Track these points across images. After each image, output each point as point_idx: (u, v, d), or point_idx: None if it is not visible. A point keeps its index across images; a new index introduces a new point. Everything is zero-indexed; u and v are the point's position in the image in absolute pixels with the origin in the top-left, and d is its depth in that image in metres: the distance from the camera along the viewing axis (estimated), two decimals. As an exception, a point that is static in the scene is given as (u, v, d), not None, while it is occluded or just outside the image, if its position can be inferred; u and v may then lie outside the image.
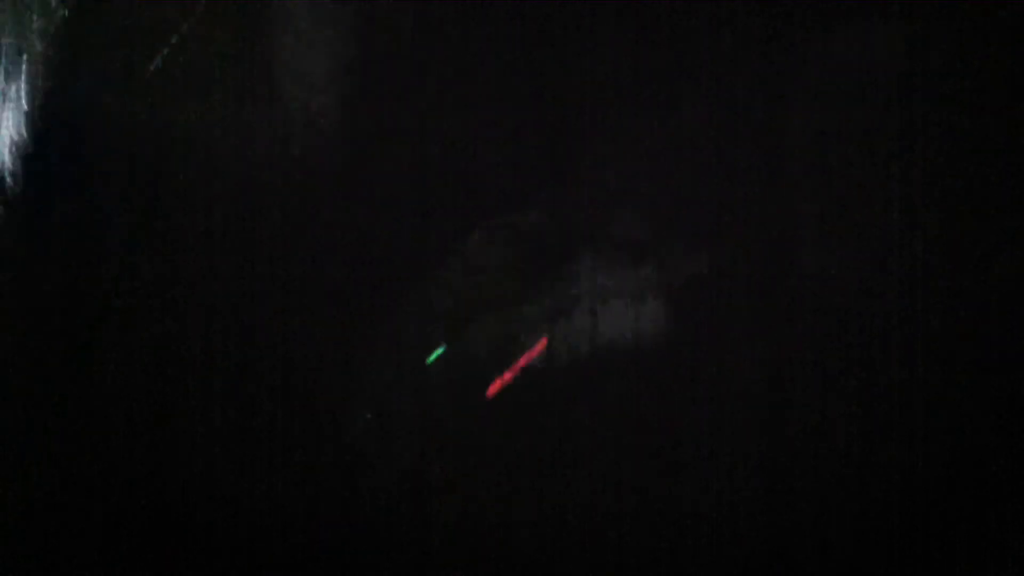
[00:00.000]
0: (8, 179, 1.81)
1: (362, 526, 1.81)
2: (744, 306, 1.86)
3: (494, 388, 1.85)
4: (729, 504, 1.81)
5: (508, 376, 1.83)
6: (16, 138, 1.83)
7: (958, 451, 1.79)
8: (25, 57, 1.84)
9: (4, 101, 1.84)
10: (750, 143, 1.87)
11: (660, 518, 1.81)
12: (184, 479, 1.81)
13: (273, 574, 1.81)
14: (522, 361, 1.83)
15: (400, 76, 1.87)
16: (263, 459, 1.83)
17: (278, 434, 1.83)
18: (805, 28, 1.86)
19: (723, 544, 1.80)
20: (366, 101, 1.87)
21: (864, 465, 1.81)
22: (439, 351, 1.85)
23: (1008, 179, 1.83)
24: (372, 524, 1.81)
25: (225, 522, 1.80)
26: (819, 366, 1.84)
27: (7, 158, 1.83)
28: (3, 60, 1.84)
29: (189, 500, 1.81)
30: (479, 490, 1.80)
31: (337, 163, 1.88)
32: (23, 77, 1.85)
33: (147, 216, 1.82)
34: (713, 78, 1.87)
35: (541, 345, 1.84)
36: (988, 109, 1.84)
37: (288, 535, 1.81)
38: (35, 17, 1.83)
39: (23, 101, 1.84)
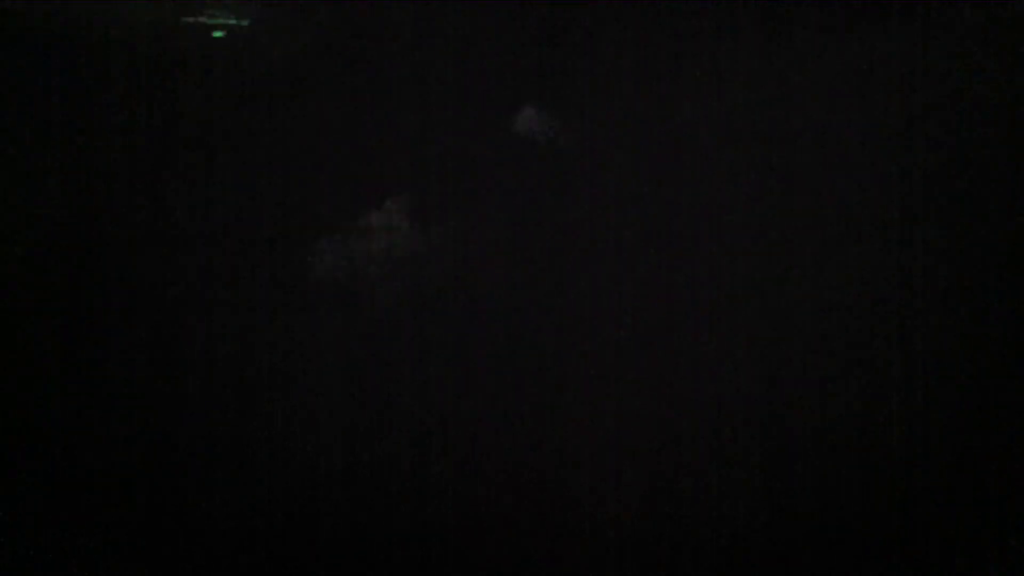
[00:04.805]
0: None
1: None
2: (743, 307, 1.87)
3: None
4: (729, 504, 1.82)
5: None
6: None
7: (958, 451, 1.79)
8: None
9: None
10: (751, 144, 1.87)
11: (661, 516, 1.81)
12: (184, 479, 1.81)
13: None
14: None
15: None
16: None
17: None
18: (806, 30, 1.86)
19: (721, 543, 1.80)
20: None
21: (863, 465, 1.81)
22: None
23: (1008, 179, 1.83)
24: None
25: (225, 522, 1.80)
26: (818, 367, 1.84)
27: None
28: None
29: (189, 500, 1.81)
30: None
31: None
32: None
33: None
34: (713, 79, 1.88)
35: None
36: (988, 109, 1.85)
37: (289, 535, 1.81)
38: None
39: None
